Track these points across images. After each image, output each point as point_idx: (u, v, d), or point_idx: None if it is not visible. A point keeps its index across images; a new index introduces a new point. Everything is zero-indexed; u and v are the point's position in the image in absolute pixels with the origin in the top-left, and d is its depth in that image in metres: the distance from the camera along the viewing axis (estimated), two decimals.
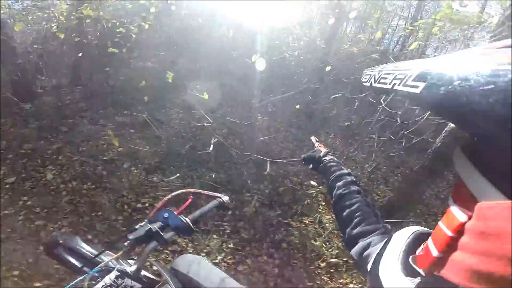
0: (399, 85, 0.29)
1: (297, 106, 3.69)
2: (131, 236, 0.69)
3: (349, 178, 0.69)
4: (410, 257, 0.36)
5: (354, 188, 0.66)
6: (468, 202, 0.26)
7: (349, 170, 0.73)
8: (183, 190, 0.89)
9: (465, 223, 0.26)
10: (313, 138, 0.97)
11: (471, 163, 0.26)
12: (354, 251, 0.57)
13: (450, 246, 0.27)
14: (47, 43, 3.56)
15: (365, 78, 0.41)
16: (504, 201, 0.22)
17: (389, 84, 0.31)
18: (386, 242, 0.45)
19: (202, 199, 0.99)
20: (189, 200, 0.86)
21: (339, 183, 0.68)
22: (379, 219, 0.60)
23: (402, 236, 0.42)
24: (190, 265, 0.93)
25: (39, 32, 3.46)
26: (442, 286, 0.28)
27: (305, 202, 2.88)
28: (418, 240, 0.39)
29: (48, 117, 3.25)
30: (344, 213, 0.62)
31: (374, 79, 0.37)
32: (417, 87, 0.26)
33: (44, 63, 3.65)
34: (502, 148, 0.21)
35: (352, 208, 0.61)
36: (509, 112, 0.18)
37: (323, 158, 0.79)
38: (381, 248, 0.45)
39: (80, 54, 3.44)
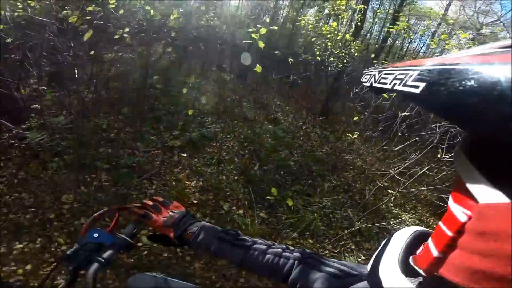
0: (399, 85, 0.29)
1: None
2: (65, 264, 0.63)
3: (229, 236, 0.63)
4: (410, 257, 0.37)
5: (243, 244, 0.62)
6: (468, 202, 0.26)
7: (219, 228, 0.66)
8: (107, 208, 0.80)
9: (465, 223, 0.26)
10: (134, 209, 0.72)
11: (471, 163, 0.26)
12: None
13: (450, 246, 0.28)
14: (41, 31, 2.34)
15: (365, 78, 0.41)
16: (504, 201, 0.22)
17: (389, 84, 0.32)
18: (386, 242, 0.45)
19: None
20: (116, 216, 0.78)
21: (228, 247, 0.62)
22: (285, 252, 0.60)
23: (402, 236, 0.43)
24: (145, 284, 0.84)
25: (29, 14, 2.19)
26: (442, 286, 0.29)
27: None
28: (418, 240, 0.40)
29: (67, 148, 2.28)
30: (258, 270, 0.60)
31: (374, 79, 0.37)
32: (417, 87, 0.26)
33: (35, 60, 2.42)
34: (503, 148, 0.22)
35: (260, 265, 0.59)
36: (509, 112, 0.18)
37: (187, 230, 0.65)
38: (381, 248, 0.45)
39: (92, 52, 2.39)
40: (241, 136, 3.38)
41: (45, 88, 2.65)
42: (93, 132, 2.62)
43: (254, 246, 0.61)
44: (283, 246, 0.61)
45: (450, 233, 0.28)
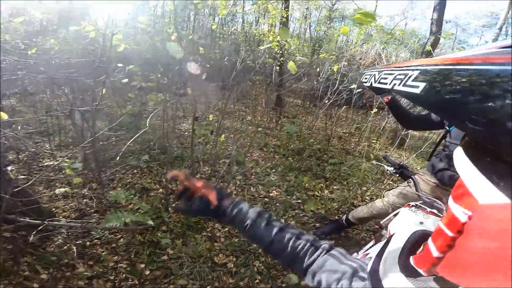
0: (399, 85, 0.29)
1: None
2: None
3: (265, 214, 0.60)
4: (410, 257, 0.37)
5: (277, 225, 0.59)
6: (468, 202, 0.26)
7: (258, 207, 0.61)
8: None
9: (465, 223, 0.26)
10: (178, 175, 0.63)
11: (472, 163, 0.26)
12: (306, 278, 0.54)
13: (450, 246, 0.28)
14: None
15: (365, 79, 0.41)
16: (504, 201, 0.22)
17: (389, 84, 0.32)
18: (386, 242, 0.45)
19: None
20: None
21: (263, 223, 0.59)
22: (315, 242, 0.57)
23: (402, 236, 0.43)
24: None
25: None
26: (442, 286, 0.30)
27: None
28: (418, 240, 0.41)
29: None
30: (286, 254, 0.56)
31: (374, 79, 0.37)
32: (417, 87, 0.26)
33: None
34: (502, 149, 0.22)
35: (290, 247, 0.56)
36: (509, 112, 0.18)
37: (228, 208, 0.60)
38: (381, 248, 0.45)
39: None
40: None
41: None
42: None
43: (287, 229, 0.58)
44: (314, 236, 0.58)
45: (450, 233, 0.27)
